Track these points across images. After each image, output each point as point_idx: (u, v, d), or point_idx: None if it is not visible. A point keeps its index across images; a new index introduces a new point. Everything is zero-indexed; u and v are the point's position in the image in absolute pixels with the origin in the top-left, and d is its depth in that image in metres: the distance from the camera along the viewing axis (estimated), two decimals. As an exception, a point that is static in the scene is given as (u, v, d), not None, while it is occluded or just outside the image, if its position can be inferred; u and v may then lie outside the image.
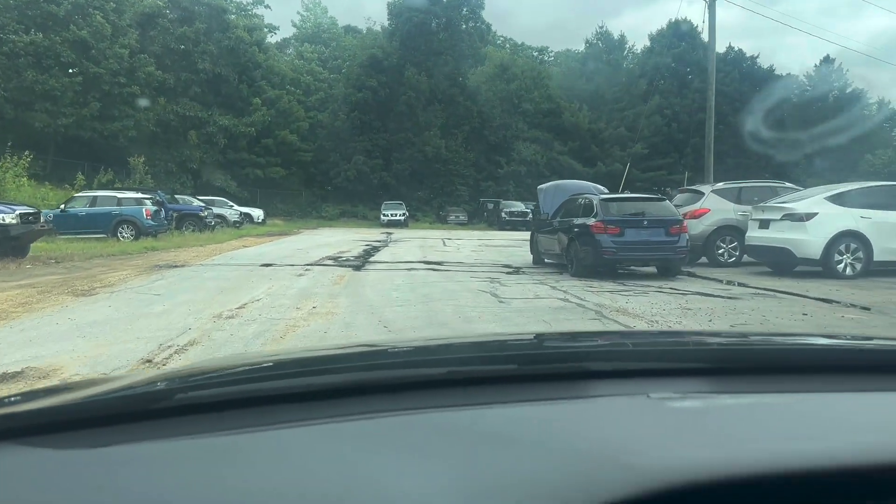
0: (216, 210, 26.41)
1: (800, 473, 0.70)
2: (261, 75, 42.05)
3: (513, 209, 36.72)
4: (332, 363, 1.17)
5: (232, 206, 30.72)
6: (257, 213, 31.97)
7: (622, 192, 20.94)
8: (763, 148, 43.08)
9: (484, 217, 41.75)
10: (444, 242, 22.41)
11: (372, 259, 14.55)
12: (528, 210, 36.80)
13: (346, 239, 23.90)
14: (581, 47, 57.46)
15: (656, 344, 1.38)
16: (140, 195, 20.08)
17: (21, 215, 12.22)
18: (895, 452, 0.76)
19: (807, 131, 40.06)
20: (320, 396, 0.89)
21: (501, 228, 36.05)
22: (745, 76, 47.45)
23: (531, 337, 1.50)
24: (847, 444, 0.78)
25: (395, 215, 37.74)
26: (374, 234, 28.38)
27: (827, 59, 49.63)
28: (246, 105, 40.60)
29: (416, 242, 22.01)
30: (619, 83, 48.19)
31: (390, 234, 29.11)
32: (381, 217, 37.95)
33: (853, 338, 1.42)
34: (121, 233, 18.63)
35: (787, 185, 14.42)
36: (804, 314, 7.06)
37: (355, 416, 0.83)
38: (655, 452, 0.73)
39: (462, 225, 40.15)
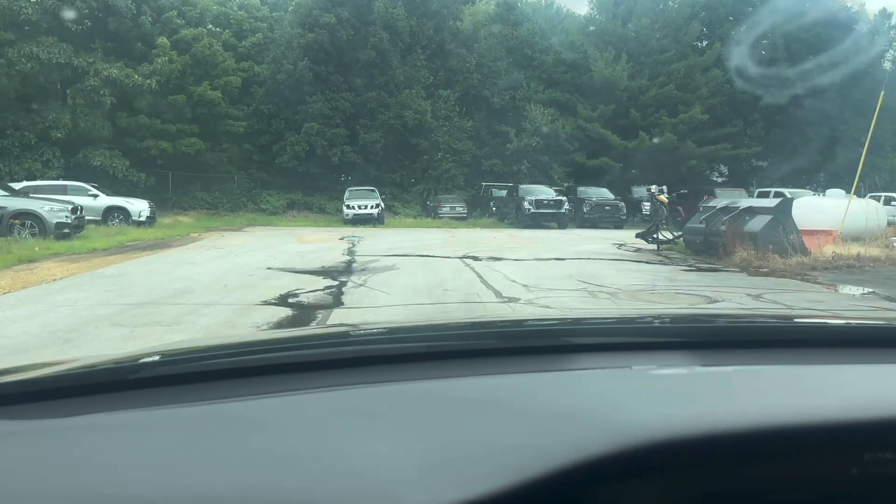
0: (55, 205, 15.72)
1: (779, 428, 0.75)
2: (170, 5, 31.08)
3: (540, 197, 26.50)
4: (312, 340, 1.24)
5: (96, 194, 20.06)
6: (138, 208, 21.16)
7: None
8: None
9: (491, 209, 31.42)
10: (475, 267, 11.59)
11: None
12: (563, 198, 26.58)
13: (276, 255, 13.41)
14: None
15: (640, 320, 1.45)
16: None
17: None
18: (871, 410, 0.82)
19: None
20: (301, 369, 0.94)
21: (524, 225, 25.80)
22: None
23: (517, 318, 1.76)
24: (826, 402, 0.85)
25: (365, 207, 27.28)
26: (331, 241, 17.87)
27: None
28: (147, 47, 29.64)
29: (414, 269, 11.45)
30: (667, 24, 37.97)
31: (357, 239, 18.63)
32: (345, 210, 27.46)
33: (833, 315, 1.71)
34: None
35: None
36: None
37: (332, 387, 0.88)
38: (638, 413, 0.79)
39: (460, 220, 29.82)
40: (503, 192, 31.32)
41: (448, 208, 30.94)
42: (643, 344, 1.16)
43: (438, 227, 27.16)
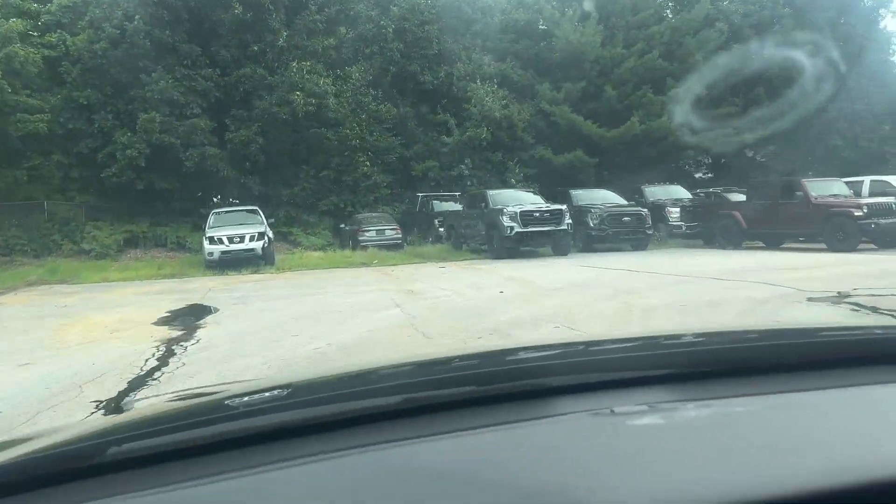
0: None
1: (782, 496, 0.67)
2: None
3: (528, 208, 16.63)
4: (268, 402, 1.09)
5: None
6: None
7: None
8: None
9: (436, 230, 21.41)
10: None
11: None
12: (562, 208, 16.95)
13: None
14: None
15: (619, 351, 1.36)
16: None
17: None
18: (883, 455, 0.75)
19: None
20: (254, 441, 0.86)
21: (504, 253, 16.06)
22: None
23: (490, 352, 1.52)
24: (836, 450, 0.78)
25: (241, 240, 16.71)
26: (127, 339, 7.05)
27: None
28: None
29: None
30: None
31: (195, 328, 7.85)
32: (206, 247, 16.76)
33: (821, 330, 1.44)
34: None
35: None
36: None
37: (288, 462, 0.80)
38: (620, 481, 0.73)
39: (393, 249, 19.69)
40: (452, 205, 21.46)
41: (374, 233, 20.75)
42: (624, 380, 1.04)
43: (363, 263, 16.96)
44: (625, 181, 25.16)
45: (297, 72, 22.32)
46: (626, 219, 17.86)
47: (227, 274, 15.70)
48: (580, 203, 18.67)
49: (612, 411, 0.91)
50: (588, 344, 1.47)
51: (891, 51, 30.60)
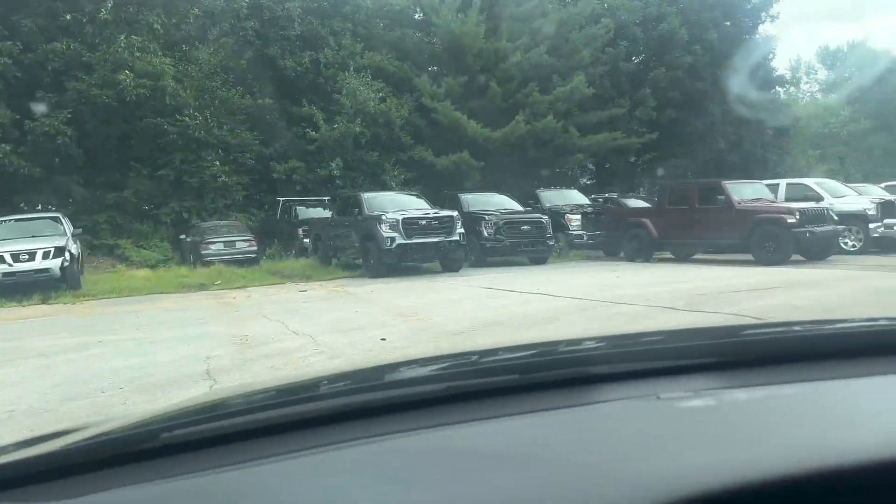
0: None
1: (829, 471, 0.68)
2: None
3: (412, 215, 13.28)
4: (313, 390, 1.14)
5: None
6: None
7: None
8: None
9: (300, 241, 17.75)
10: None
11: None
12: (452, 214, 13.87)
13: None
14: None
15: (661, 342, 1.37)
16: None
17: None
18: None
19: None
20: (303, 426, 0.89)
21: (384, 271, 12.80)
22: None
23: (529, 345, 1.49)
24: (880, 431, 0.78)
25: (31, 258, 12.35)
26: None
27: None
28: None
29: None
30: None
31: None
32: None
33: (863, 320, 1.40)
34: None
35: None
36: None
37: (343, 444, 0.83)
38: (668, 462, 0.73)
39: (246, 263, 15.85)
40: (320, 211, 17.92)
41: (221, 245, 16.81)
42: (669, 368, 1.03)
43: (202, 284, 13.08)
44: (511, 187, 22.67)
45: (126, 48, 17.93)
46: (524, 227, 15.04)
47: (13, 303, 11.38)
48: (472, 209, 15.71)
49: (658, 397, 0.90)
50: (632, 335, 1.44)
51: (771, 56, 30.12)
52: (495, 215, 15.08)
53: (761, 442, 0.77)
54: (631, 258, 15.52)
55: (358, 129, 21.34)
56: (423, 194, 18.81)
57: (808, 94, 57.93)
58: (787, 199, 14.93)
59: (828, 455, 0.71)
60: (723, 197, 13.80)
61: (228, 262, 15.99)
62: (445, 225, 13.45)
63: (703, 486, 0.65)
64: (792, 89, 33.78)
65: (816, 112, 40.92)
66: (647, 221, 15.22)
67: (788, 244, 12.92)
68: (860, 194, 15.66)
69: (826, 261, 13.49)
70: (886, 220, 14.35)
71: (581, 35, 26.00)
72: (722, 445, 0.77)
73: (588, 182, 31.15)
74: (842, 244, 14.30)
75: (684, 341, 1.32)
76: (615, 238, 16.18)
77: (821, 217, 13.34)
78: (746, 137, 28.35)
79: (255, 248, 17.11)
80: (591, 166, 30.69)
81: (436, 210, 13.92)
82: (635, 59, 28.44)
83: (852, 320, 1.42)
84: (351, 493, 0.73)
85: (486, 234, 14.80)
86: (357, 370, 1.38)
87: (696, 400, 0.91)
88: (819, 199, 14.75)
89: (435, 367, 1.25)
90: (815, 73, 64.53)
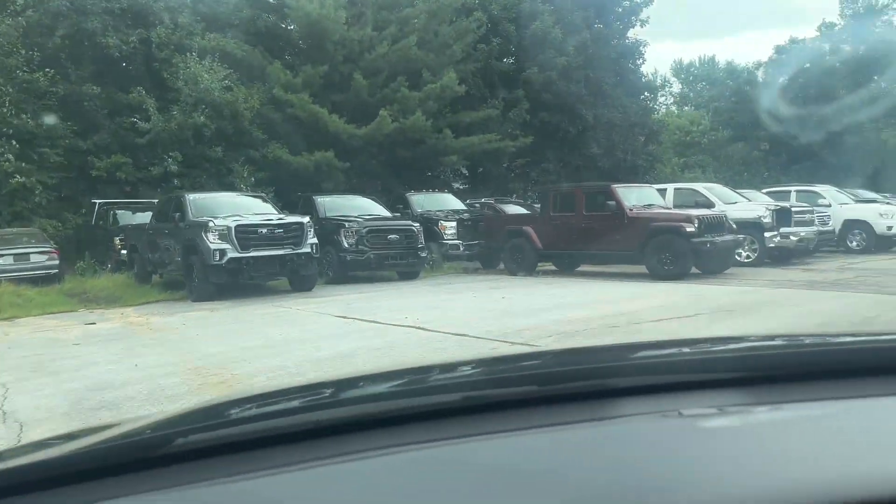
0: None
1: (862, 499, 0.64)
2: None
3: (247, 221, 10.50)
4: (323, 398, 1.08)
5: None
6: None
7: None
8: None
9: (115, 252, 14.40)
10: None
11: None
12: (303, 220, 11.23)
13: None
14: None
15: (684, 354, 1.29)
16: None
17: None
18: None
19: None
20: (314, 435, 0.87)
21: (211, 292, 9.89)
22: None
23: (546, 353, 1.52)
24: None
25: None
26: None
27: None
28: None
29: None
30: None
31: None
32: None
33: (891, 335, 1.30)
34: None
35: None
36: None
37: (354, 456, 0.81)
38: (691, 483, 0.70)
39: (42, 282, 12.38)
40: (145, 216, 14.63)
41: (10, 259, 13.22)
42: (690, 382, 0.99)
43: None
44: (381, 191, 20.26)
45: None
46: (392, 237, 12.63)
47: None
48: (330, 214, 13.12)
49: (680, 413, 0.87)
50: (654, 346, 1.39)
51: (641, 61, 29.66)
52: (357, 222, 12.57)
53: (788, 464, 0.73)
54: (512, 272, 13.56)
55: (200, 120, 18.13)
56: (278, 197, 16.10)
57: (663, 105, 59.95)
58: (677, 206, 13.53)
59: (860, 481, 0.67)
60: (613, 202, 12.10)
61: (20, 281, 12.50)
62: (293, 233, 10.80)
63: None
64: (651, 98, 33.72)
65: (679, 122, 41.64)
66: (529, 230, 13.29)
67: (687, 256, 11.37)
68: (750, 200, 14.59)
69: (724, 275, 12.11)
70: (783, 229, 13.26)
71: (452, 29, 24.07)
72: (747, 467, 0.73)
73: (462, 187, 29.30)
74: (735, 255, 13.03)
75: (708, 354, 1.25)
76: (494, 248, 14.17)
77: (719, 225, 11.93)
78: (619, 143, 27.58)
79: (55, 262, 13.62)
80: (464, 170, 28.89)
81: (281, 216, 11.20)
82: (508, 60, 26.88)
83: (888, 333, 1.26)
84: None
85: (346, 245, 12.27)
86: (372, 374, 1.27)
87: (720, 418, 0.87)
88: (710, 205, 13.45)
89: (452, 375, 1.22)
90: (671, 87, 67.08)
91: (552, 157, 27.23)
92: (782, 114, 39.92)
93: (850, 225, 15.91)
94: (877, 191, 21.84)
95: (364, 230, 12.34)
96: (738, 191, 15.42)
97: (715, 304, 8.38)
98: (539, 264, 13.76)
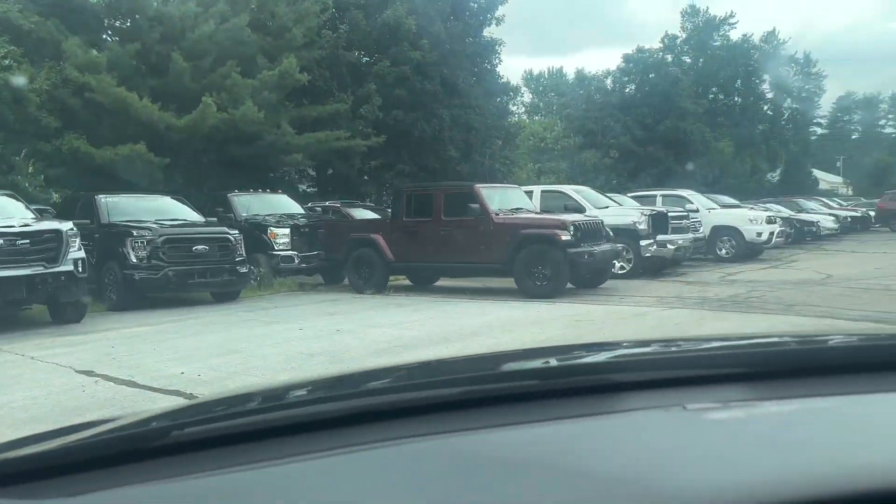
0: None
1: (864, 492, 0.64)
2: None
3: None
4: (329, 390, 1.11)
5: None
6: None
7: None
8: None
9: None
10: None
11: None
12: (60, 229, 8.04)
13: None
14: None
15: (688, 350, 1.27)
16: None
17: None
18: None
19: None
20: (318, 427, 0.87)
21: None
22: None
23: (549, 349, 1.47)
24: None
25: None
26: None
27: None
28: None
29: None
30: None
31: None
32: None
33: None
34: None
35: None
36: None
37: (357, 447, 0.80)
38: (694, 476, 0.69)
39: None
40: None
41: None
42: (694, 378, 0.98)
43: None
44: (206, 193, 17.10)
45: None
46: (200, 248, 9.72)
47: None
48: (115, 219, 10.02)
49: (685, 407, 0.86)
50: (658, 342, 1.37)
51: (497, 60, 28.28)
52: (151, 229, 9.58)
53: (792, 458, 0.73)
54: (358, 289, 11.14)
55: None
56: (87, 194, 12.61)
57: (515, 114, 60.27)
58: (544, 210, 11.75)
59: (863, 474, 0.67)
60: (476, 206, 10.02)
61: None
62: (46, 246, 7.73)
63: (729, 503, 0.62)
64: (508, 100, 32.65)
65: (534, 128, 41.18)
66: (377, 238, 10.93)
67: (563, 269, 9.50)
68: (621, 205, 13.13)
69: (601, 290, 10.41)
70: (659, 237, 11.81)
71: (291, 10, 21.28)
72: (750, 460, 0.72)
73: (310, 189, 26.50)
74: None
75: (712, 350, 1.24)
76: (337, 260, 11.69)
77: (596, 233, 10.21)
78: (476, 146, 25.95)
79: None
80: (311, 171, 26.07)
81: (27, 222, 8.04)
82: (358, 52, 24.44)
83: (888, 332, 1.35)
84: (365, 497, 0.71)
85: (133, 260, 9.24)
86: (372, 370, 1.28)
87: (723, 411, 0.87)
88: (581, 209, 11.77)
89: (454, 369, 1.21)
90: (522, 96, 67.67)
91: (407, 158, 25.09)
92: (630, 121, 40.62)
93: (719, 231, 14.97)
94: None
95: (160, 240, 9.37)
96: (607, 195, 13.96)
97: (612, 333, 6.45)
98: (393, 278, 11.45)
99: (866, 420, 0.84)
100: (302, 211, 13.72)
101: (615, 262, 11.18)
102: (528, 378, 1.04)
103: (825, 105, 61.75)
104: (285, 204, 13.79)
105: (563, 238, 9.41)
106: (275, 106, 20.02)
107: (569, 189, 12.82)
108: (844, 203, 30.38)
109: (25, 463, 0.84)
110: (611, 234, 10.65)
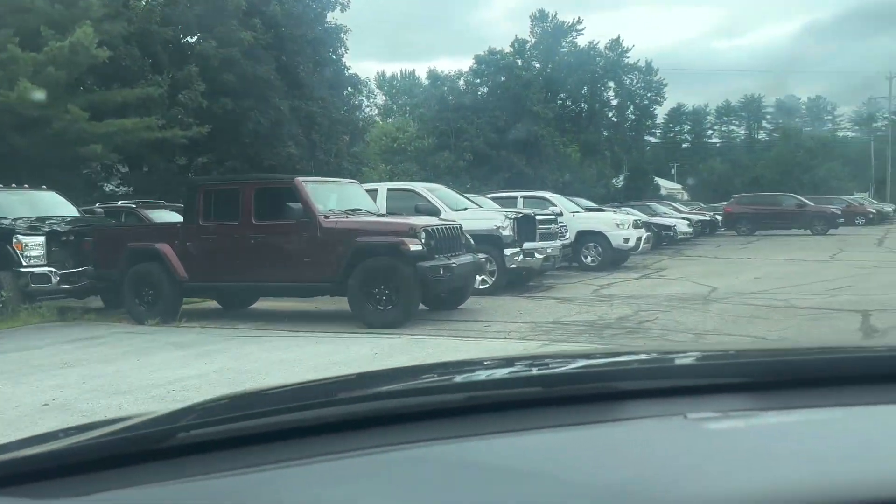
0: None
1: (869, 502, 0.64)
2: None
3: None
4: (332, 394, 1.10)
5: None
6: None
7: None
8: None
9: None
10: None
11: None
12: None
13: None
14: None
15: (690, 359, 1.26)
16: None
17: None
18: None
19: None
20: (318, 431, 0.86)
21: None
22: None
23: (553, 357, 1.45)
24: None
25: None
26: None
27: None
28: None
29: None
30: None
31: None
32: None
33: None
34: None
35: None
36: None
37: (356, 453, 0.80)
38: (695, 484, 0.69)
39: None
40: None
41: None
42: (695, 387, 0.97)
43: None
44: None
45: None
46: None
47: None
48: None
49: (686, 416, 0.86)
50: (660, 352, 1.33)
51: (343, 49, 25.65)
52: None
53: (792, 467, 0.73)
54: (138, 318, 8.17)
55: None
56: None
57: (369, 116, 58.10)
58: (392, 213, 9.42)
59: (864, 485, 0.66)
60: (298, 205, 7.45)
61: None
62: None
63: None
64: (356, 93, 29.96)
65: (386, 128, 38.96)
66: (165, 250, 8.03)
67: (412, 289, 7.17)
68: (481, 206, 11.05)
69: (461, 311, 8.23)
70: (527, 244, 9.81)
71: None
72: (752, 470, 0.71)
73: (119, 189, 22.49)
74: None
75: (714, 359, 1.23)
76: (111, 279, 8.63)
77: (455, 240, 7.98)
78: (320, 142, 23.18)
79: None
80: (121, 167, 22.07)
81: None
82: (176, 27, 20.89)
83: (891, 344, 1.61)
84: (367, 501, 0.71)
85: None
86: (374, 372, 1.29)
87: (725, 421, 0.87)
88: (436, 211, 9.54)
89: (455, 375, 1.19)
90: (375, 97, 65.50)
91: (239, 154, 21.90)
92: (483, 124, 39.58)
93: (585, 237, 13.36)
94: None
95: None
96: (466, 195, 11.84)
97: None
98: (191, 301, 8.60)
99: (868, 432, 0.84)
100: (76, 213, 10.40)
101: (477, 276, 9.03)
102: (529, 385, 1.04)
103: (658, 117, 64.61)
104: (52, 203, 10.40)
105: (413, 248, 7.07)
106: (63, 86, 16.27)
107: (420, 187, 10.51)
108: (685, 208, 30.74)
109: (34, 462, 0.84)
110: (471, 241, 8.46)
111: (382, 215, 8.12)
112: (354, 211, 8.04)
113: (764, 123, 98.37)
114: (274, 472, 0.77)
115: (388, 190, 10.40)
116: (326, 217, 7.56)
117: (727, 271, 12.68)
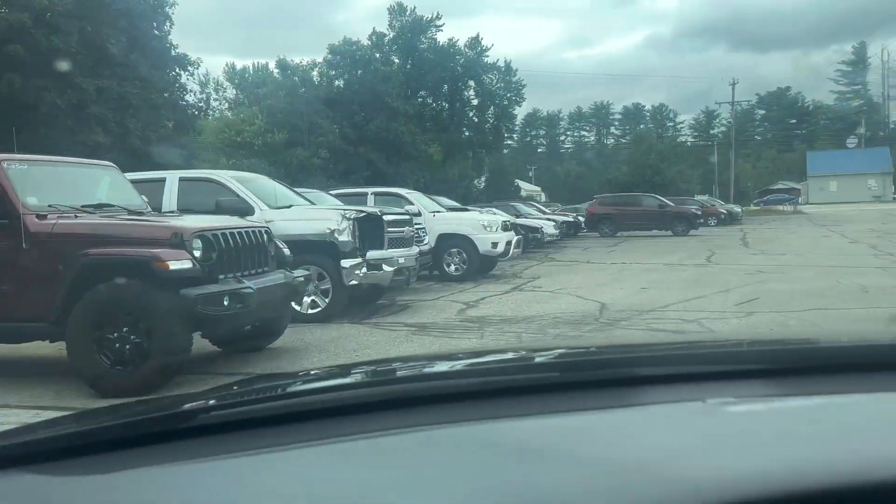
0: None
1: (881, 484, 0.64)
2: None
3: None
4: (351, 378, 1.12)
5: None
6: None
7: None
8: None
9: None
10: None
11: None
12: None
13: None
14: None
15: (709, 346, 1.29)
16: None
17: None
18: None
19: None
20: (336, 413, 0.87)
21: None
22: None
23: (571, 346, 1.47)
24: None
25: None
26: None
27: None
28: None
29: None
30: None
31: None
32: None
33: None
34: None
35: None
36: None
37: (375, 433, 0.80)
38: (714, 463, 0.69)
39: None
40: None
41: None
42: (715, 373, 0.97)
43: None
44: None
45: None
46: None
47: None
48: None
49: (705, 401, 0.85)
50: (679, 340, 1.33)
51: (168, 25, 21.89)
52: None
53: (811, 450, 0.73)
54: None
55: None
56: None
57: (218, 110, 53.32)
58: (184, 209, 6.61)
59: (881, 468, 0.66)
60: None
61: None
62: None
63: (746, 493, 0.62)
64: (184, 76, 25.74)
65: (231, 120, 35.02)
66: None
67: (175, 334, 4.45)
68: (314, 203, 8.40)
69: (269, 351, 5.58)
70: (372, 253, 7.29)
71: None
72: (769, 451, 0.71)
73: None
74: (293, 305, 6.57)
75: (732, 347, 1.24)
76: None
77: (257, 250, 5.31)
78: (136, 130, 19.40)
79: None
80: None
81: None
82: None
83: None
84: (389, 482, 0.71)
85: None
86: (395, 358, 1.27)
87: (744, 405, 0.86)
88: (246, 209, 6.79)
89: (476, 361, 1.20)
90: (225, 91, 60.52)
91: (30, 142, 17.72)
92: (340, 119, 36.79)
93: (447, 241, 11.08)
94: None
95: None
96: (296, 189, 9.12)
97: None
98: None
99: (889, 414, 0.84)
100: None
101: (296, 301, 6.41)
102: (552, 370, 1.06)
103: (517, 118, 64.56)
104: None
105: (174, 266, 4.35)
106: None
107: (226, 176, 7.61)
108: (547, 209, 29.69)
109: (57, 442, 0.85)
110: (286, 251, 5.81)
111: (141, 215, 5.27)
112: (99, 208, 5.17)
113: (612, 129, 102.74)
114: (289, 453, 0.77)
115: (181, 180, 7.49)
116: (41, 216, 4.66)
117: (608, 280, 10.88)
